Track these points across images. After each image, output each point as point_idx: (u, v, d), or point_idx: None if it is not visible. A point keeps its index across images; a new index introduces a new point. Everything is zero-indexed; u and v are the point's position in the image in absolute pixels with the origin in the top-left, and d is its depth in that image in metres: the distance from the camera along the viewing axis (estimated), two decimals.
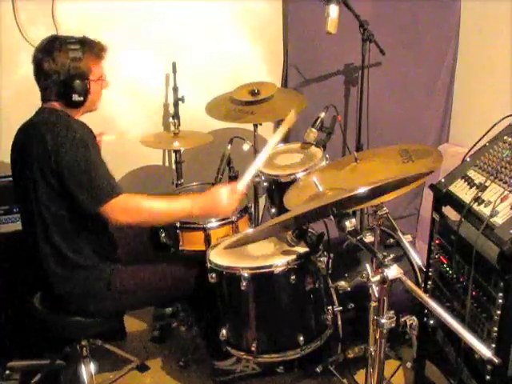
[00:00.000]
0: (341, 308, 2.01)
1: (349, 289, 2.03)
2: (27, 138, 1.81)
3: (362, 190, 1.41)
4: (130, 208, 1.79)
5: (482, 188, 1.59)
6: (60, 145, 1.72)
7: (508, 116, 1.70)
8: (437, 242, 1.81)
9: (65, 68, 1.78)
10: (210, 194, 1.90)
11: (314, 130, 2.43)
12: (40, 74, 1.81)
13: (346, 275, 2.10)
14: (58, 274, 1.86)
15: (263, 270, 1.85)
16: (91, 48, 1.84)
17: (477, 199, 1.58)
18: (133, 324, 2.69)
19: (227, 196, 1.89)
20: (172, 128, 2.73)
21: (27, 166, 1.78)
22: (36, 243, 1.86)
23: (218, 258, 1.94)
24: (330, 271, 1.97)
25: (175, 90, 2.81)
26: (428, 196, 2.90)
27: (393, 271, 1.30)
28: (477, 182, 1.65)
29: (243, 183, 1.95)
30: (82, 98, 1.83)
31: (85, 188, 1.73)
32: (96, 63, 1.86)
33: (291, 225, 1.75)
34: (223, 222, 2.27)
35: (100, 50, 1.87)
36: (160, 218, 1.89)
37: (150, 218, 1.84)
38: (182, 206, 1.87)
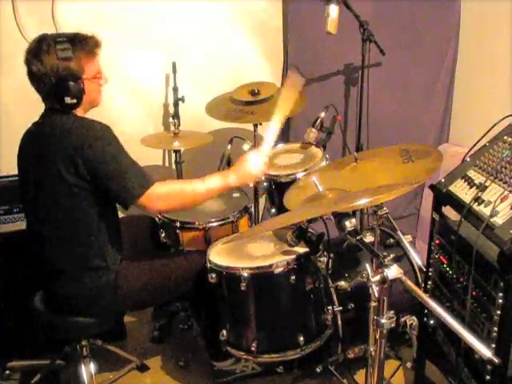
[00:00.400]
0: (341, 308, 2.01)
1: (349, 289, 2.04)
2: (42, 143, 1.77)
3: (363, 201, 1.42)
4: (166, 195, 1.81)
5: (482, 188, 1.59)
6: (84, 144, 1.70)
7: (508, 116, 1.70)
8: (437, 241, 1.81)
9: (54, 70, 1.71)
10: (238, 164, 1.96)
11: (313, 130, 2.43)
12: (31, 77, 1.75)
13: (346, 275, 2.10)
14: (67, 275, 1.85)
15: (263, 270, 1.85)
16: (82, 45, 1.75)
17: (477, 199, 1.58)
18: (133, 324, 2.69)
19: (255, 160, 1.95)
20: (172, 128, 2.73)
21: (42, 168, 1.76)
22: (43, 243, 1.85)
23: (218, 258, 1.95)
24: (330, 271, 1.97)
25: (175, 90, 2.81)
26: (428, 196, 2.89)
27: (393, 271, 1.31)
28: (477, 181, 1.65)
29: (267, 145, 2.00)
30: (75, 101, 1.76)
31: (119, 181, 1.73)
32: (89, 60, 1.79)
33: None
34: (223, 221, 2.28)
35: (93, 46, 1.79)
36: (197, 198, 1.90)
37: (187, 199, 1.87)
38: (215, 182, 1.89)
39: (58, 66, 1.71)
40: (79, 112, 1.86)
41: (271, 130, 2.02)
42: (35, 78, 1.74)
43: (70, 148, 1.70)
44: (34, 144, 1.83)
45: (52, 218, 1.81)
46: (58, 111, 1.80)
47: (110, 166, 1.73)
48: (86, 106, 1.86)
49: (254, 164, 1.95)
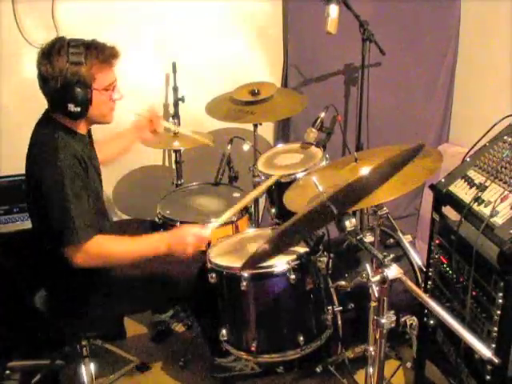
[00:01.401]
0: (341, 308, 2.01)
1: (349, 289, 2.04)
2: (31, 153, 1.76)
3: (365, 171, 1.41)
4: (92, 255, 1.70)
5: (482, 188, 1.59)
6: (46, 172, 1.65)
7: (508, 116, 1.70)
8: (437, 241, 1.81)
9: (63, 73, 1.61)
10: (177, 232, 1.88)
11: (313, 130, 2.43)
12: (39, 77, 1.67)
13: (346, 275, 2.10)
14: (63, 276, 1.85)
15: (263, 270, 1.85)
16: (98, 52, 1.66)
17: (477, 199, 1.58)
18: (133, 324, 2.69)
19: (193, 238, 1.82)
20: (172, 128, 2.73)
21: (35, 181, 1.75)
22: (45, 245, 1.85)
23: (218, 257, 1.95)
24: (330, 271, 1.97)
25: (175, 90, 2.81)
26: (428, 196, 2.89)
27: (393, 271, 1.31)
28: (477, 181, 1.65)
29: (210, 228, 1.91)
30: (78, 109, 1.65)
31: (54, 220, 1.66)
32: (102, 70, 1.68)
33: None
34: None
35: (110, 55, 1.69)
36: (124, 260, 1.81)
37: (113, 261, 1.79)
38: (147, 246, 1.81)
39: (67, 70, 1.61)
40: (82, 124, 1.78)
41: (227, 213, 1.98)
42: (42, 79, 1.66)
43: (38, 165, 1.69)
44: (30, 146, 1.81)
45: (43, 216, 1.80)
46: (50, 123, 1.73)
47: (58, 203, 1.64)
48: (92, 119, 1.77)
49: (191, 242, 1.81)
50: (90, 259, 1.71)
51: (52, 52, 1.63)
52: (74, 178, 1.67)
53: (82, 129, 1.80)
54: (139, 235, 2.29)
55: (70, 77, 1.62)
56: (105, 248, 1.75)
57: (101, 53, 1.67)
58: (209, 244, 2.21)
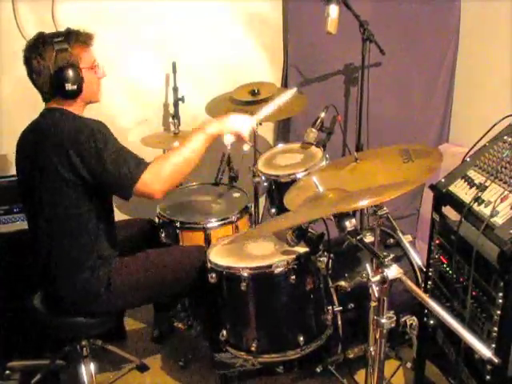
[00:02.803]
0: (341, 308, 2.01)
1: (349, 289, 2.04)
2: (38, 140, 1.80)
3: (363, 202, 1.42)
4: (160, 175, 1.79)
5: (482, 188, 1.59)
6: (78, 139, 1.73)
7: (508, 116, 1.70)
8: (437, 241, 1.81)
9: (52, 61, 1.77)
10: (221, 120, 1.94)
11: (313, 130, 2.42)
12: (32, 73, 1.80)
13: (346, 275, 2.09)
14: (61, 275, 1.86)
15: (263, 270, 1.85)
16: (77, 36, 1.83)
17: (477, 199, 1.58)
18: (133, 324, 2.69)
19: (242, 117, 1.96)
20: (172, 128, 2.73)
21: (42, 170, 1.78)
22: (40, 243, 1.87)
23: (218, 258, 1.95)
24: (330, 271, 1.97)
25: (175, 90, 2.81)
26: (428, 196, 2.89)
27: (393, 271, 1.30)
28: (477, 181, 1.65)
29: (261, 114, 2.03)
30: (75, 87, 1.80)
31: (114, 171, 1.74)
32: (84, 50, 1.85)
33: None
34: (223, 221, 2.28)
35: (86, 36, 1.86)
36: (188, 167, 1.87)
37: (181, 172, 1.85)
38: (197, 144, 1.86)
39: (57, 57, 1.78)
40: (79, 105, 1.88)
41: (273, 104, 2.07)
42: (36, 72, 1.79)
43: (65, 142, 1.73)
44: (31, 141, 1.84)
45: (47, 215, 1.82)
46: (57, 110, 1.83)
47: (105, 158, 1.74)
48: (86, 97, 1.89)
49: (239, 119, 1.95)
50: (159, 182, 1.78)
51: (38, 46, 1.78)
52: (105, 132, 1.79)
53: (81, 111, 1.91)
54: (139, 235, 2.31)
55: (60, 62, 1.78)
56: (161, 166, 1.80)
57: (79, 35, 1.84)
58: (209, 243, 2.22)
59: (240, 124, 1.94)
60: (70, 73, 1.79)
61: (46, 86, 1.81)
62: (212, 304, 2.00)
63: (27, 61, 1.80)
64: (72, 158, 1.73)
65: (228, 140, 1.95)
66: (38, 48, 1.78)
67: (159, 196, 1.80)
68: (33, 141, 1.83)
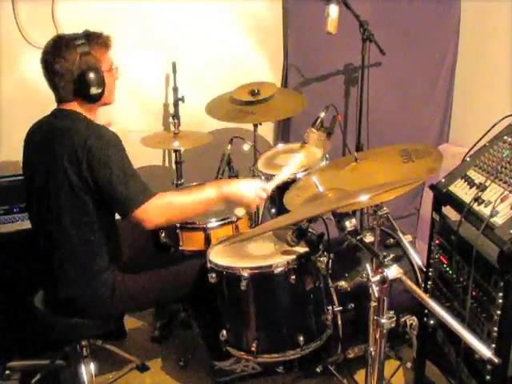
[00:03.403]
0: (341, 308, 2.01)
1: (349, 289, 2.04)
2: (49, 141, 1.79)
3: (363, 197, 1.41)
4: (162, 209, 1.79)
5: (482, 188, 1.59)
6: (91, 145, 1.72)
7: (508, 116, 1.70)
8: (437, 241, 1.81)
9: (76, 64, 1.76)
10: (238, 184, 1.91)
11: (314, 129, 2.42)
12: (53, 75, 1.78)
13: (346, 275, 2.09)
14: (68, 277, 1.85)
15: (263, 270, 1.85)
16: (96, 39, 1.83)
17: (477, 199, 1.58)
18: (133, 324, 2.69)
19: (256, 190, 1.91)
20: (172, 128, 2.73)
21: (51, 170, 1.77)
22: (43, 243, 1.86)
23: (218, 258, 1.94)
24: (330, 271, 1.97)
25: (175, 90, 2.81)
26: (428, 196, 2.90)
27: (393, 271, 1.30)
28: (477, 181, 1.65)
29: (272, 185, 2.00)
30: (100, 90, 1.81)
31: (120, 187, 1.73)
32: (104, 53, 1.85)
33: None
34: (223, 221, 2.28)
35: (106, 39, 1.87)
36: (190, 214, 1.91)
37: (181, 215, 1.87)
38: (207, 197, 1.86)
39: (81, 60, 1.77)
40: (95, 108, 1.89)
41: (284, 174, 2.06)
42: (57, 75, 1.77)
43: (77, 146, 1.72)
44: (40, 140, 1.84)
45: (53, 218, 1.81)
46: (73, 113, 1.82)
47: (113, 172, 1.72)
48: (103, 101, 1.89)
49: (254, 195, 1.90)
50: (158, 216, 1.78)
51: (61, 48, 1.77)
52: (119, 147, 1.79)
53: (93, 117, 1.90)
54: (140, 235, 2.31)
55: (83, 66, 1.78)
56: (170, 201, 1.81)
57: (99, 38, 1.84)
58: (209, 243, 2.22)
59: (253, 197, 1.91)
60: (94, 76, 1.79)
61: (66, 88, 1.79)
62: (212, 304, 2.00)
63: (48, 63, 1.78)
64: (81, 162, 1.71)
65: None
66: (60, 50, 1.77)
67: (150, 227, 1.78)
68: (43, 140, 1.82)
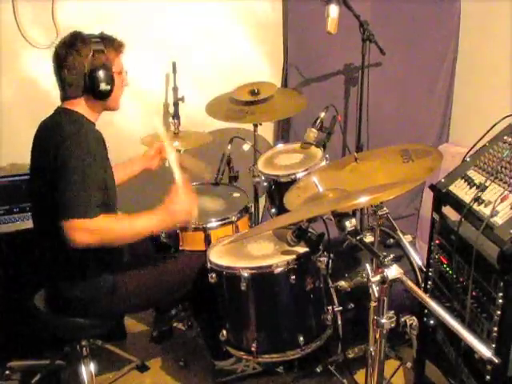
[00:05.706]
0: (341, 308, 2.01)
1: (349, 289, 2.04)
2: (44, 141, 1.81)
3: (363, 197, 1.41)
4: (93, 232, 1.69)
5: (482, 188, 1.59)
6: (68, 148, 1.71)
7: (508, 116, 1.70)
8: (437, 242, 1.81)
9: (89, 59, 1.79)
10: (164, 206, 1.85)
11: (313, 130, 2.43)
12: (64, 68, 1.80)
13: (346, 275, 2.10)
14: (68, 277, 1.85)
15: (263, 270, 1.85)
16: (111, 42, 1.87)
17: (477, 199, 1.58)
18: (133, 324, 2.69)
19: (178, 199, 1.84)
20: (172, 128, 2.73)
21: (46, 169, 1.77)
22: (48, 245, 1.86)
23: (218, 258, 1.94)
24: (330, 271, 1.97)
25: (175, 90, 2.81)
26: (428, 196, 2.89)
27: (393, 271, 1.30)
28: (477, 182, 1.65)
29: (177, 177, 1.93)
30: (109, 88, 1.83)
31: (63, 192, 1.68)
32: (116, 56, 1.89)
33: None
34: (223, 221, 2.28)
35: (119, 43, 1.91)
36: (126, 240, 1.85)
37: (111, 239, 1.77)
38: (143, 225, 1.81)
39: (94, 56, 1.80)
40: (98, 109, 1.90)
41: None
42: (69, 68, 1.79)
43: (59, 145, 1.72)
44: (38, 138, 1.86)
45: (51, 217, 1.80)
46: (73, 113, 1.83)
47: (73, 175, 1.69)
48: (110, 102, 1.91)
49: (181, 205, 1.84)
50: (90, 235, 1.69)
51: (76, 43, 1.80)
52: (97, 158, 1.76)
53: (96, 118, 1.92)
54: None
55: (96, 62, 1.81)
56: (105, 225, 1.74)
57: (114, 41, 1.89)
58: (209, 243, 2.22)
59: (184, 217, 1.86)
60: (105, 73, 1.81)
61: (75, 83, 1.81)
62: (212, 304, 2.00)
63: (60, 56, 1.80)
64: (57, 161, 1.70)
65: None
66: (75, 45, 1.80)
67: (78, 246, 1.68)
68: (41, 139, 1.84)
